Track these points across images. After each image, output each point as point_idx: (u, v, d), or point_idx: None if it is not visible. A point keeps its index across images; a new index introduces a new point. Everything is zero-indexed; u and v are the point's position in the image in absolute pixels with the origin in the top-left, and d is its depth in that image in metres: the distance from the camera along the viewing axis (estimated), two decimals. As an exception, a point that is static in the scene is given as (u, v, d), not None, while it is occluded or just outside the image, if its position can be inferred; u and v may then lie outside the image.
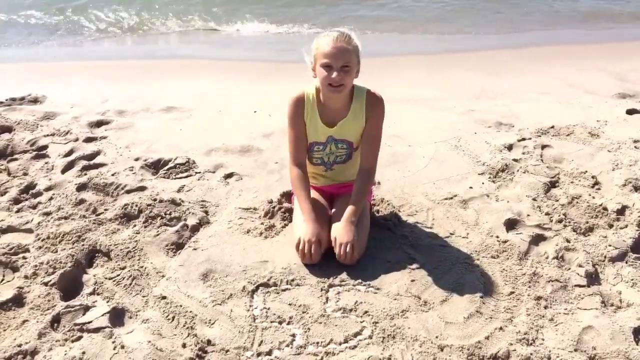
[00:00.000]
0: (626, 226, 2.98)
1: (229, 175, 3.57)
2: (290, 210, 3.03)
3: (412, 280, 2.51)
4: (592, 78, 5.90)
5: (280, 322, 2.27)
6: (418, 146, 4.01)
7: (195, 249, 2.76)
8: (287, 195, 3.18)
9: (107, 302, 2.37)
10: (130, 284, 2.50)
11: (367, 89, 2.75)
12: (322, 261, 2.62)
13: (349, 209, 2.68)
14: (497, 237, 2.85)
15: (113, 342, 2.13)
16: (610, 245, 2.79)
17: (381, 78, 5.61)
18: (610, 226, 2.99)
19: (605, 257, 2.72)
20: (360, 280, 2.51)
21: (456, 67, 6.45)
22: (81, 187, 3.34)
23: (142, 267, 2.62)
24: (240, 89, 5.60)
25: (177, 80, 5.98)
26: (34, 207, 3.17)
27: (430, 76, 6.13)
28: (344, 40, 2.53)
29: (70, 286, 2.50)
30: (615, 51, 7.17)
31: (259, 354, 2.10)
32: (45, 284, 2.46)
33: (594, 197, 3.25)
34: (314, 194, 2.90)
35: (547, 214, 3.07)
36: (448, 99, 5.25)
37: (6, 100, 4.99)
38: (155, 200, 3.11)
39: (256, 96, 5.28)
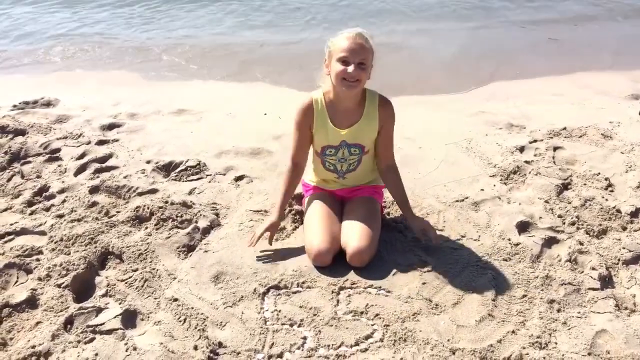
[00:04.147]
0: (640, 229, 2.95)
1: (239, 178, 3.58)
2: (300, 213, 3.03)
3: (424, 283, 2.50)
4: (604, 79, 5.85)
5: (291, 325, 2.27)
6: (429, 148, 4.00)
7: (206, 251, 2.78)
8: (298, 198, 3.19)
9: (120, 304, 2.39)
10: (142, 286, 2.52)
11: (378, 93, 2.75)
12: (333, 263, 2.62)
13: (405, 208, 2.83)
14: (509, 239, 2.83)
15: (125, 344, 2.14)
16: (624, 248, 2.76)
17: (390, 80, 5.61)
18: (624, 229, 2.96)
19: (619, 260, 2.70)
20: (371, 283, 2.51)
21: (466, 68, 6.41)
22: (94, 190, 3.37)
23: (153, 269, 2.64)
24: (251, 92, 5.63)
25: (188, 83, 6.01)
26: (47, 209, 3.20)
27: (441, 77, 6.10)
28: (362, 38, 2.54)
29: (83, 288, 2.52)
30: (627, 51, 7.10)
31: (270, 357, 2.11)
32: (59, 285, 2.48)
33: (607, 200, 3.22)
34: (325, 197, 2.90)
35: (559, 216, 3.05)
36: (458, 100, 5.23)
37: (20, 103, 5.04)
38: (166, 202, 3.13)
39: (266, 98, 5.29)
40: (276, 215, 2.81)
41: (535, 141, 4.07)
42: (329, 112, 2.72)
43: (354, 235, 2.63)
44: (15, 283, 2.57)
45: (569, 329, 2.25)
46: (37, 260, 2.70)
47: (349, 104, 2.70)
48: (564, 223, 2.99)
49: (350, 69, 2.50)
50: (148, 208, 3.08)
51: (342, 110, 2.72)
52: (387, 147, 2.83)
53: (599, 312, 2.35)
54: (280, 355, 2.12)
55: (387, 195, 3.22)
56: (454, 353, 2.12)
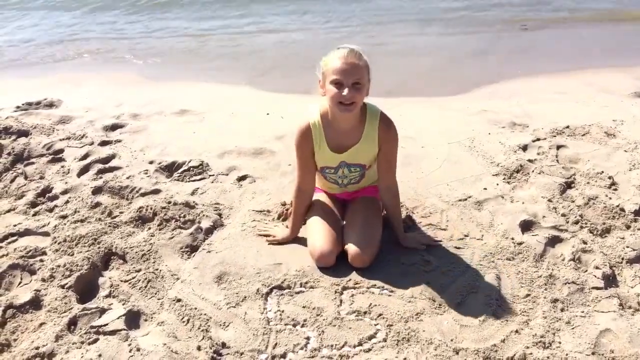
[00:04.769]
0: (644, 227, 2.93)
1: (242, 178, 3.58)
2: (303, 213, 3.03)
3: (427, 283, 2.50)
4: (607, 77, 5.83)
5: (294, 325, 2.27)
6: (431, 147, 3.99)
7: (209, 252, 2.78)
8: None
9: (123, 304, 2.40)
10: (146, 287, 2.52)
11: (380, 112, 2.63)
12: (336, 263, 2.62)
13: (397, 230, 2.79)
14: (513, 238, 2.82)
15: (129, 345, 2.14)
16: (627, 247, 2.75)
17: (393, 79, 5.60)
18: (628, 227, 2.95)
19: (622, 258, 2.69)
20: (374, 283, 2.51)
21: (469, 67, 6.40)
22: (97, 191, 3.38)
23: (157, 269, 2.64)
24: (253, 92, 5.63)
25: (190, 83, 6.02)
26: (51, 210, 3.21)
27: (443, 76, 6.09)
28: (354, 57, 2.42)
29: (86, 289, 2.53)
30: (631, 49, 7.08)
31: (273, 357, 2.11)
32: (62, 286, 2.48)
33: (610, 198, 3.20)
34: (326, 199, 2.90)
35: (563, 215, 3.04)
36: (461, 99, 5.22)
37: (23, 104, 5.06)
38: (169, 203, 3.14)
39: (268, 98, 5.29)
40: (290, 233, 2.83)
41: (538, 140, 4.06)
42: (327, 135, 2.64)
43: (355, 237, 2.62)
44: (19, 284, 2.58)
45: (573, 329, 2.24)
46: (41, 261, 2.70)
47: (348, 125, 2.61)
48: (567, 222, 2.98)
49: (345, 92, 2.40)
50: (151, 208, 3.08)
51: (340, 131, 2.63)
52: (389, 169, 2.74)
53: (602, 312, 2.34)
54: (284, 355, 2.12)
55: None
56: (457, 353, 2.11)
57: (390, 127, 2.63)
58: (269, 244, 2.82)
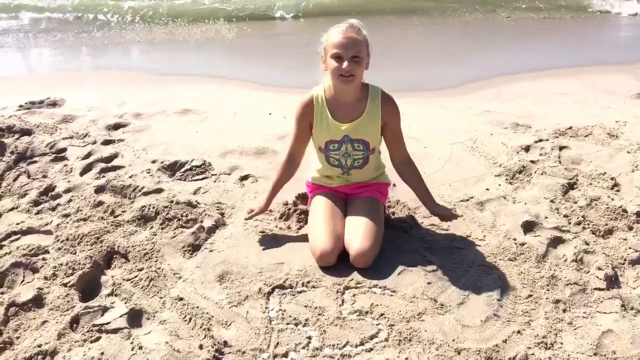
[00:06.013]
0: (646, 228, 2.93)
1: (244, 177, 3.58)
2: (305, 212, 3.03)
3: (429, 283, 2.50)
4: (610, 78, 5.82)
5: (296, 324, 2.27)
6: (434, 148, 3.99)
7: (211, 251, 2.78)
8: (303, 197, 3.18)
9: (125, 303, 2.40)
10: (148, 285, 2.52)
11: (381, 90, 2.76)
12: (338, 263, 2.62)
13: (427, 199, 2.89)
14: (515, 239, 2.82)
15: (131, 343, 2.15)
16: (630, 248, 2.75)
17: (395, 78, 5.60)
18: (630, 228, 2.95)
19: (625, 259, 2.68)
20: (376, 283, 2.51)
21: (471, 68, 6.40)
22: (99, 189, 3.38)
23: (159, 268, 2.64)
24: (255, 91, 5.63)
25: (192, 82, 6.02)
26: (53, 209, 3.22)
27: (445, 76, 6.09)
28: (353, 31, 2.55)
29: (88, 287, 2.53)
30: (633, 50, 7.08)
31: (275, 356, 2.11)
32: (65, 285, 2.49)
33: (613, 199, 3.20)
34: (328, 196, 2.90)
35: (565, 216, 3.04)
36: (464, 99, 5.21)
37: (26, 103, 5.06)
38: (171, 202, 3.14)
39: (271, 98, 5.29)
40: (263, 203, 2.92)
41: (540, 140, 4.06)
42: (330, 108, 2.74)
43: (357, 236, 2.62)
44: (22, 282, 2.59)
45: (575, 329, 2.24)
46: (43, 259, 2.71)
47: (350, 98, 2.73)
48: (569, 223, 2.97)
49: (345, 64, 2.53)
50: (153, 207, 3.08)
51: (343, 105, 2.74)
52: (397, 143, 2.86)
53: (605, 312, 2.34)
54: (285, 354, 2.12)
55: (392, 195, 3.22)
56: (459, 353, 2.11)
57: (392, 101, 2.76)
58: (246, 220, 2.94)
